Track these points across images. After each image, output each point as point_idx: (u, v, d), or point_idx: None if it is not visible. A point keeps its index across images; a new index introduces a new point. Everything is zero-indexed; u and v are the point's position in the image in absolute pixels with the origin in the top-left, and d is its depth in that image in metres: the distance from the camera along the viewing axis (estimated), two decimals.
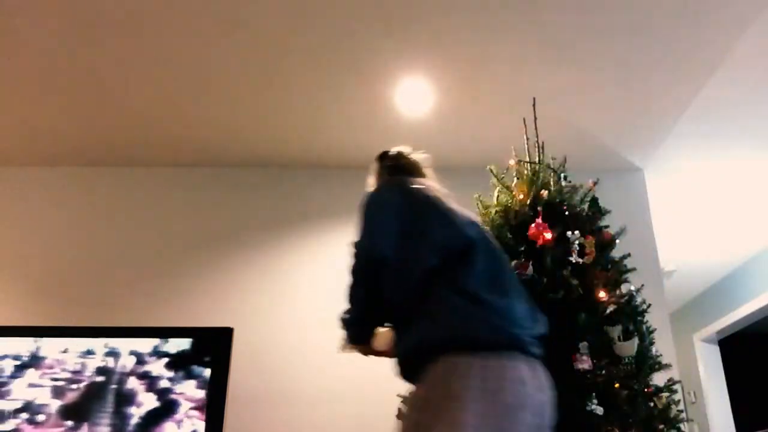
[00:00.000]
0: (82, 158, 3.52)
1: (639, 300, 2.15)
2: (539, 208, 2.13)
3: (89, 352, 3.05)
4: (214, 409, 2.93)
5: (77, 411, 2.95)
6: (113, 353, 3.05)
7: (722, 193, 3.86)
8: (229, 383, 3.00)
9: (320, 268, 3.29)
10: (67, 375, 3.01)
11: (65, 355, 3.04)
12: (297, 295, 3.27)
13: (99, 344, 3.07)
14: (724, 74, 2.85)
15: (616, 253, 2.22)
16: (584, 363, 1.88)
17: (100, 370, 3.03)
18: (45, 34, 2.63)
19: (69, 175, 3.57)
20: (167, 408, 2.95)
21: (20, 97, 3.02)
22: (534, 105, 2.52)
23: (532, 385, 1.31)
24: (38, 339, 3.05)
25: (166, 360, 3.03)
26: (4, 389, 2.98)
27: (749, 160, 3.52)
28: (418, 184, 1.65)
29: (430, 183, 1.69)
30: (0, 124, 3.23)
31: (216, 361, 3.05)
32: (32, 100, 3.05)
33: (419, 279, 1.42)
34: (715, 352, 5.49)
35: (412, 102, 3.06)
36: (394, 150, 1.89)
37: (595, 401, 1.85)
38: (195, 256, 3.38)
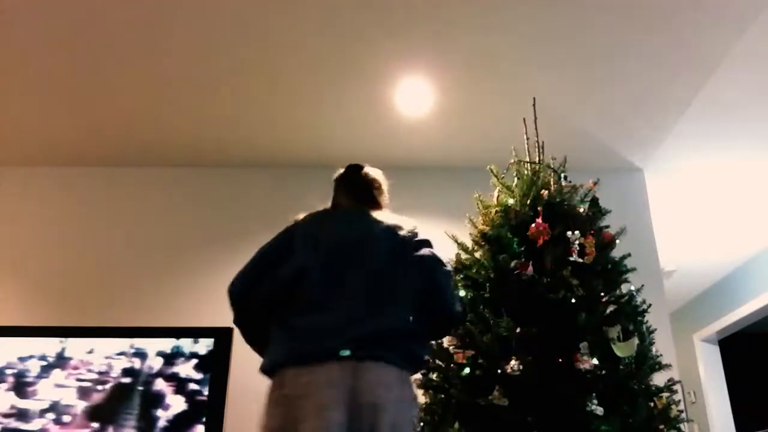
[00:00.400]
0: (82, 158, 3.52)
1: (639, 300, 2.15)
2: (539, 208, 2.13)
3: (119, 353, 3.04)
4: (214, 409, 2.94)
5: (103, 412, 2.94)
6: (140, 354, 3.05)
7: (722, 193, 3.86)
8: (229, 383, 3.00)
9: None
10: (93, 376, 3.00)
11: (91, 355, 3.04)
12: None
13: (125, 345, 3.06)
14: (724, 74, 2.85)
15: (616, 253, 2.22)
16: (584, 363, 1.88)
17: (127, 372, 3.02)
18: (45, 35, 2.63)
19: (69, 175, 3.57)
20: (196, 410, 2.94)
21: (20, 97, 3.02)
22: (534, 105, 2.52)
23: (320, 384, 1.43)
24: (64, 340, 3.06)
25: (193, 361, 3.03)
26: (30, 389, 2.97)
27: (749, 160, 3.52)
28: (303, 219, 1.91)
29: (320, 213, 1.91)
30: (0, 124, 3.23)
31: (216, 361, 3.05)
32: (32, 100, 3.04)
33: (260, 314, 1.69)
34: (715, 352, 5.49)
35: (412, 102, 3.06)
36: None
37: (595, 401, 1.85)
38: (195, 256, 3.38)
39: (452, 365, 2.09)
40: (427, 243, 1.74)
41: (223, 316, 3.20)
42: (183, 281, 3.33)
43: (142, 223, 3.47)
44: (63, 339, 3.06)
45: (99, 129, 3.27)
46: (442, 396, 2.08)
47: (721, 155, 3.48)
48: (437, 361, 2.18)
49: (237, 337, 3.06)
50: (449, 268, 1.72)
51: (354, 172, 1.99)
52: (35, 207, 3.50)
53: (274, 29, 2.61)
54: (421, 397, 2.20)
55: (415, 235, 1.75)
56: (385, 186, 1.96)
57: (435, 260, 1.69)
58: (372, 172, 1.99)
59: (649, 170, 3.62)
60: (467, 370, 2.00)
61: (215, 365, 3.04)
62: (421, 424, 2.13)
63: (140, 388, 2.99)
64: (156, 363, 3.04)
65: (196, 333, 3.13)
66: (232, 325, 3.06)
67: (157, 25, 2.58)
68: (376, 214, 1.80)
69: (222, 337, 3.11)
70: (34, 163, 3.55)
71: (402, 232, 1.74)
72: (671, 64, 2.79)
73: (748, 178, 3.70)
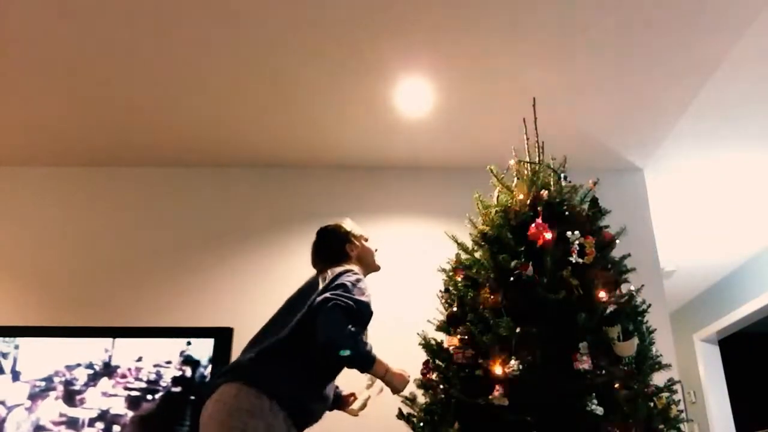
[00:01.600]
0: (82, 158, 3.52)
1: (639, 300, 2.15)
2: (539, 208, 2.13)
3: (167, 362, 3.01)
4: None
5: (154, 423, 2.90)
6: (191, 362, 3.03)
7: (722, 193, 3.86)
8: None
9: None
10: (142, 385, 2.97)
11: (139, 363, 3.01)
12: None
13: (174, 353, 3.03)
14: (724, 74, 2.85)
15: (616, 253, 2.22)
16: (584, 363, 1.88)
17: (177, 380, 2.99)
18: (45, 35, 2.63)
19: (69, 175, 3.57)
20: None
21: (20, 97, 3.02)
22: (534, 105, 2.52)
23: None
24: (109, 348, 3.04)
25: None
26: (79, 397, 2.95)
27: (749, 159, 3.52)
28: None
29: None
30: (0, 124, 3.23)
31: (216, 361, 3.05)
32: (32, 100, 3.04)
33: None
34: (715, 352, 5.49)
35: (412, 102, 3.06)
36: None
37: (595, 401, 1.85)
38: (195, 256, 3.38)
39: (452, 365, 2.09)
40: (333, 287, 1.92)
41: (223, 316, 3.22)
42: (182, 281, 3.33)
43: (141, 223, 3.47)
44: (108, 347, 3.05)
45: (99, 129, 3.27)
46: (442, 396, 2.08)
47: (721, 155, 3.48)
48: (437, 361, 2.19)
49: (237, 336, 3.08)
50: (338, 303, 1.84)
51: (315, 238, 2.28)
52: (34, 207, 3.50)
53: (274, 30, 2.61)
54: (421, 398, 2.21)
55: (329, 281, 1.97)
56: (336, 238, 2.22)
57: (320, 303, 1.86)
58: (323, 232, 2.27)
59: (649, 170, 3.62)
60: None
61: (215, 365, 3.04)
62: (421, 424, 2.13)
63: (192, 397, 2.97)
64: (209, 371, 3.02)
65: (196, 333, 3.13)
66: (232, 325, 3.12)
67: (156, 25, 2.58)
68: (326, 271, 2.05)
69: (222, 337, 3.11)
70: (34, 163, 3.55)
71: (318, 281, 2.03)
72: (671, 64, 2.79)
73: (748, 178, 3.70)
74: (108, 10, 2.50)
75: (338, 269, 2.03)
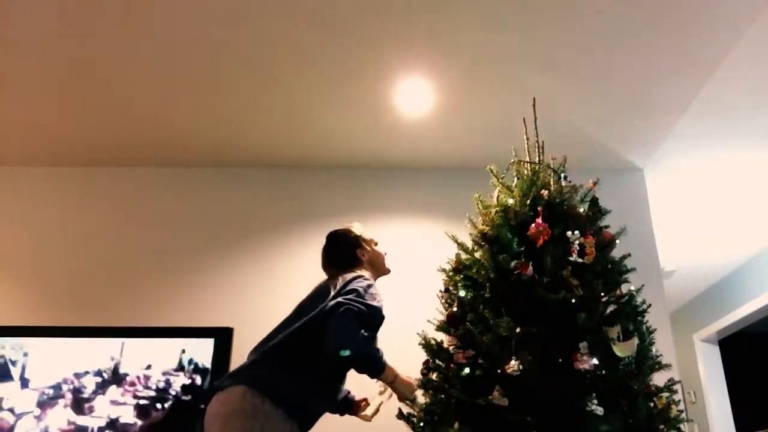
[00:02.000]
0: (82, 158, 3.52)
1: (639, 300, 2.15)
2: (539, 208, 2.13)
3: (176, 369, 3.00)
4: None
5: (163, 431, 2.89)
6: (200, 370, 3.01)
7: (722, 193, 3.86)
8: None
9: (320, 267, 3.28)
10: (151, 393, 2.95)
11: (148, 371, 3.00)
12: (297, 295, 3.24)
13: (184, 361, 3.02)
14: (724, 74, 2.85)
15: (616, 253, 2.22)
16: (584, 363, 1.88)
17: (186, 388, 2.98)
18: (45, 35, 2.63)
19: (69, 175, 3.57)
20: None
21: (20, 97, 3.02)
22: (534, 105, 2.52)
23: None
24: (115, 356, 3.03)
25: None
26: (87, 405, 2.93)
27: (749, 159, 3.52)
28: None
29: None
30: (0, 124, 3.23)
31: (216, 361, 3.05)
32: (32, 99, 3.05)
33: None
34: (715, 352, 5.49)
35: (412, 102, 3.06)
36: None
37: (595, 401, 1.85)
38: (195, 256, 3.38)
39: (452, 365, 2.09)
40: (345, 292, 1.93)
41: (223, 316, 3.22)
42: (182, 281, 3.33)
43: (141, 223, 3.47)
44: (116, 355, 3.04)
45: (99, 129, 3.27)
46: (442, 396, 2.08)
47: (721, 155, 3.48)
48: (437, 361, 2.19)
49: (237, 337, 3.08)
50: (350, 307, 1.84)
51: (325, 242, 2.26)
52: (34, 207, 3.50)
53: (275, 30, 2.61)
54: (421, 398, 2.21)
55: (341, 287, 1.96)
56: (346, 243, 2.21)
57: (332, 307, 1.87)
58: (333, 237, 2.25)
59: (649, 170, 3.62)
60: (467, 370, 2.00)
61: (215, 365, 3.04)
62: (421, 424, 2.13)
63: (202, 405, 2.95)
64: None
65: (196, 333, 3.13)
66: (232, 325, 3.12)
67: (156, 25, 2.58)
68: (337, 277, 2.05)
69: (222, 337, 3.11)
70: (34, 163, 3.55)
71: (329, 287, 2.02)
72: (671, 64, 2.79)
73: (748, 178, 3.70)
74: (108, 11, 2.50)
75: (349, 275, 2.03)
